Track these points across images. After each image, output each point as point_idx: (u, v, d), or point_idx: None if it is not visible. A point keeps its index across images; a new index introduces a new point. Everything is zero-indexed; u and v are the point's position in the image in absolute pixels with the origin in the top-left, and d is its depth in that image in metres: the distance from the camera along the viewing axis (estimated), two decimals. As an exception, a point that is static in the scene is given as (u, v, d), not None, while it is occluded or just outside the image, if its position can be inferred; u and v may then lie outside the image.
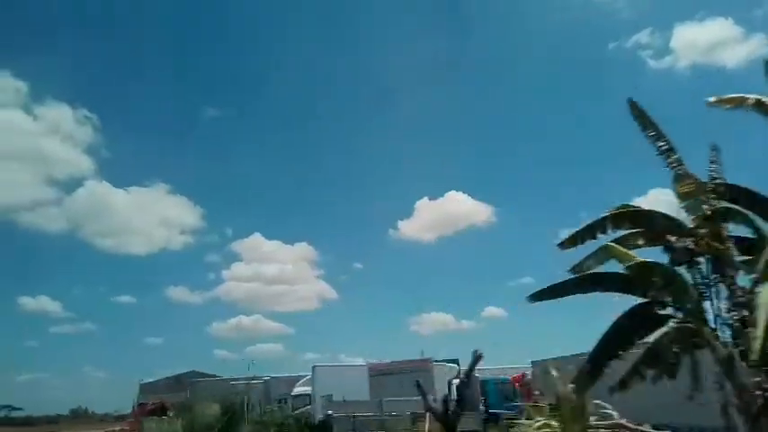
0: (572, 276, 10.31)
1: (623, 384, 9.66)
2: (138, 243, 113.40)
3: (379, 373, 33.04)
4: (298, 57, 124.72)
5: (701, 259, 9.02)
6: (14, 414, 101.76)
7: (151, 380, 60.68)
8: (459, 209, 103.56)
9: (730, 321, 8.59)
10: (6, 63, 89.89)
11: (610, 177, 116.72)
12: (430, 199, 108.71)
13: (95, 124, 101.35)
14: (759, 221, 9.00)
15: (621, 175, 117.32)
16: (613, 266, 9.96)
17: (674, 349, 9.03)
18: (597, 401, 11.53)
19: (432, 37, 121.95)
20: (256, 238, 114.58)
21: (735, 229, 9.25)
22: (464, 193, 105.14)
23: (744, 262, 8.90)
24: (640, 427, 13.04)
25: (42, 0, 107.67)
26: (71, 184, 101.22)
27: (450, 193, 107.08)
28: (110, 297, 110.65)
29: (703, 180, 9.36)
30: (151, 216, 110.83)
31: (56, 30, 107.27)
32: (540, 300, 10.13)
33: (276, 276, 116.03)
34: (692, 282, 8.98)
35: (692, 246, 9.01)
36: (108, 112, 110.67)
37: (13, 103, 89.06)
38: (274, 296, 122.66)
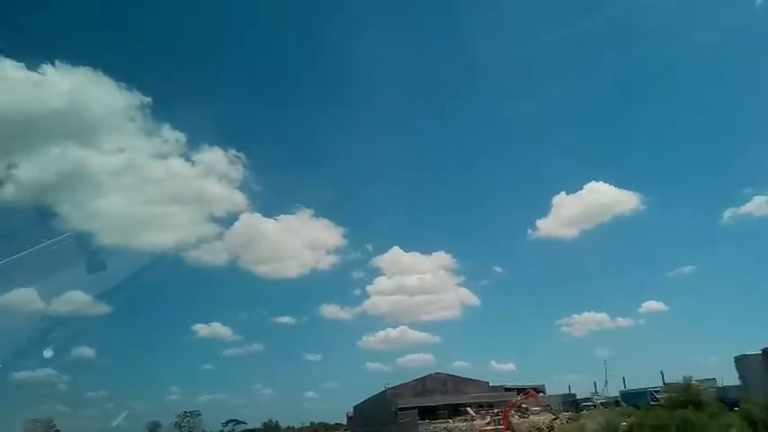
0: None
1: None
2: (291, 266, 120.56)
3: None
4: (416, 65, 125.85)
5: None
6: (239, 428, 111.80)
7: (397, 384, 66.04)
8: (601, 200, 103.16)
9: None
10: (167, 117, 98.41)
11: None
12: (567, 193, 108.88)
13: (244, 162, 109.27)
14: None
15: None
16: None
17: None
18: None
19: (555, 26, 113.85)
20: (395, 251, 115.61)
21: None
22: (605, 182, 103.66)
23: None
24: None
25: (186, 56, 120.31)
26: (229, 219, 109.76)
27: (589, 184, 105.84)
28: (271, 318, 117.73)
29: None
30: (299, 240, 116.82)
31: (201, 80, 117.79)
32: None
33: (418, 287, 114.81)
34: None
35: None
36: (253, 149, 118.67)
37: (175, 152, 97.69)
38: (418, 306, 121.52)
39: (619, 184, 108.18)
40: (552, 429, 26.68)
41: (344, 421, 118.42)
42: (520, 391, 68.86)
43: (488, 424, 32.93)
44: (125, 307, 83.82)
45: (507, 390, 67.31)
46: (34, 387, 66.04)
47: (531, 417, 32.74)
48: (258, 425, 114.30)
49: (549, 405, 32.32)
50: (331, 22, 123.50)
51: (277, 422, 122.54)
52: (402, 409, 61.92)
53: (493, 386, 67.90)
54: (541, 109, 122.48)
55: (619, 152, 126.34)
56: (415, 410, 54.75)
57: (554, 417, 28.95)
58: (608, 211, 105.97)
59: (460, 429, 44.68)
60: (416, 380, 68.63)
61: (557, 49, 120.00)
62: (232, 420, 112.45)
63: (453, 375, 68.68)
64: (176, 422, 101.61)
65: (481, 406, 62.16)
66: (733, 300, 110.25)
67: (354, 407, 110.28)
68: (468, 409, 59.99)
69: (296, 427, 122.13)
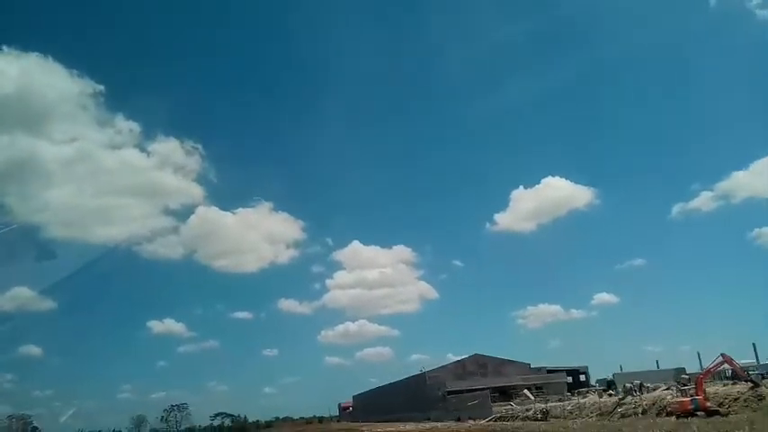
0: None
1: None
2: (249, 261, 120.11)
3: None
4: (377, 60, 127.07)
5: None
6: (228, 421, 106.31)
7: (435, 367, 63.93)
8: (557, 194, 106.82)
9: None
10: (120, 106, 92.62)
11: (720, 146, 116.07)
12: (525, 187, 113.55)
13: (201, 153, 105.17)
14: None
15: (729, 144, 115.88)
16: None
17: None
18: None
19: (513, 23, 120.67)
20: (355, 245, 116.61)
21: None
22: (561, 177, 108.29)
23: None
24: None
25: (141, 45, 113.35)
26: (185, 212, 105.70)
27: (546, 179, 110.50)
28: (228, 314, 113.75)
29: None
30: (258, 234, 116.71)
31: (157, 69, 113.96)
32: None
33: (377, 281, 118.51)
34: None
35: None
36: (211, 140, 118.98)
37: (129, 142, 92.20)
38: (377, 300, 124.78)
39: (574, 179, 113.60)
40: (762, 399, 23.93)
41: (336, 412, 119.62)
42: (568, 371, 67.32)
43: (676, 396, 29.91)
44: (75, 303, 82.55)
45: (549, 371, 65.13)
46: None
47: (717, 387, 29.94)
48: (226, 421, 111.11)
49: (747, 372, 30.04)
50: (293, 16, 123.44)
51: (277, 417, 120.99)
52: (451, 393, 58.72)
53: (534, 367, 65.55)
54: (500, 105, 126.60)
55: (574, 148, 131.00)
56: (487, 391, 51.44)
57: (753, 385, 26.17)
58: (564, 206, 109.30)
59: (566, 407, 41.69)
60: (455, 362, 66.03)
61: (515, 46, 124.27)
62: (221, 413, 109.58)
63: (493, 357, 65.97)
64: (163, 416, 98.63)
65: (529, 388, 59.75)
66: (680, 292, 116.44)
67: (354, 396, 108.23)
68: (526, 391, 57.30)
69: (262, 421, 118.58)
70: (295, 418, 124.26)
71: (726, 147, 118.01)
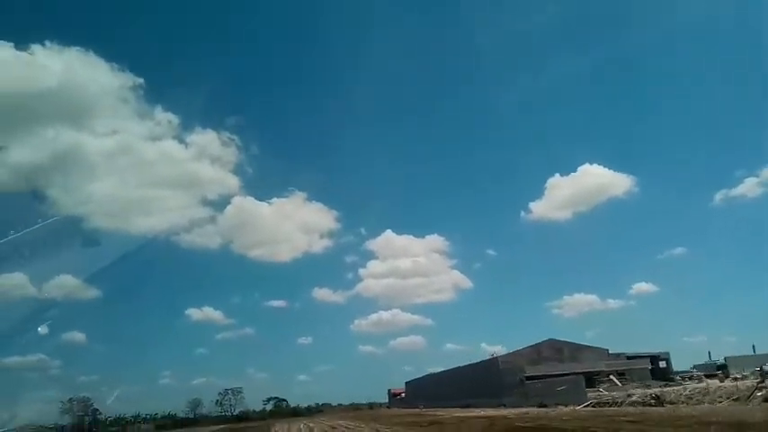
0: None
1: None
2: (284, 250, 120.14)
3: None
4: (411, 49, 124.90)
5: None
6: (281, 405, 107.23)
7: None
8: (594, 182, 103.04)
9: None
10: (159, 98, 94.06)
11: (765, 130, 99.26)
12: (561, 175, 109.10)
13: (238, 144, 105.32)
14: None
15: None
16: None
17: None
18: None
19: (549, 5, 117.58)
20: (388, 234, 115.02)
21: None
22: (599, 164, 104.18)
23: None
24: None
25: (179, 37, 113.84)
26: (221, 203, 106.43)
27: (583, 166, 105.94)
28: (263, 302, 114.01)
29: None
30: (293, 224, 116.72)
31: (195, 61, 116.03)
32: None
33: (410, 270, 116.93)
34: None
35: None
36: (246, 132, 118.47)
37: (168, 134, 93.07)
38: (410, 289, 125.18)
39: (612, 166, 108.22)
40: None
41: (387, 400, 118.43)
42: (650, 357, 63.75)
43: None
44: (117, 291, 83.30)
45: (629, 357, 61.64)
46: (25, 372, 60.39)
47: None
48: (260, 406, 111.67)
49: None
50: (326, 8, 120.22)
51: (317, 404, 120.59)
52: (531, 378, 55.88)
53: (613, 353, 62.11)
54: (535, 91, 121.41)
55: (613, 134, 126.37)
56: (580, 376, 48.42)
57: None
58: (601, 194, 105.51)
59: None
60: (530, 347, 63.00)
61: (551, 29, 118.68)
62: (273, 398, 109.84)
63: (569, 342, 62.83)
64: (218, 400, 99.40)
65: (610, 374, 56.58)
66: (723, 281, 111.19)
67: (407, 383, 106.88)
68: (612, 377, 54.16)
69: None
70: (334, 405, 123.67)
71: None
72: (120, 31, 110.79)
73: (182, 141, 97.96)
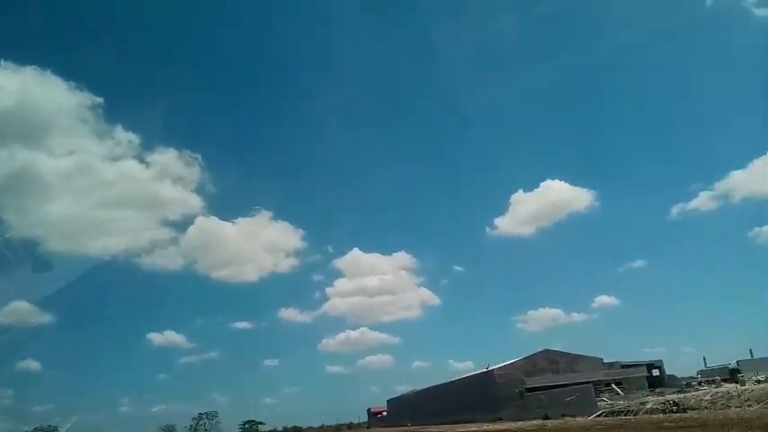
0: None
1: None
2: (250, 270, 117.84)
3: None
4: (374, 63, 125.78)
5: None
6: (257, 428, 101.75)
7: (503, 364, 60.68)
8: (557, 197, 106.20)
9: None
10: (119, 117, 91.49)
11: (719, 145, 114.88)
12: (525, 191, 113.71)
13: (201, 163, 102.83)
14: None
15: (728, 143, 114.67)
16: None
17: None
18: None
19: (510, 19, 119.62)
20: (355, 252, 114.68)
21: None
22: (560, 180, 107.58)
23: None
24: None
25: (139, 55, 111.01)
26: (184, 223, 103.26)
27: (545, 182, 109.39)
28: (228, 324, 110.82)
29: None
30: (258, 243, 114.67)
31: (155, 79, 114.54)
32: None
33: (378, 288, 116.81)
34: None
35: None
36: (209, 150, 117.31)
37: (128, 154, 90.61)
38: (378, 307, 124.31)
39: (574, 181, 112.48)
40: None
41: (365, 419, 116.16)
42: (648, 366, 63.13)
43: None
44: (73, 316, 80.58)
45: (624, 366, 60.93)
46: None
47: None
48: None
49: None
50: (288, 19, 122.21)
51: (295, 426, 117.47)
52: (532, 390, 54.36)
53: (607, 362, 61.35)
54: (497, 106, 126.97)
55: (574, 149, 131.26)
56: (589, 385, 47.03)
57: None
58: (564, 209, 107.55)
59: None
60: (524, 359, 61.65)
61: (510, 43, 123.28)
62: (249, 421, 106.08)
63: (564, 353, 61.80)
64: (191, 425, 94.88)
65: (608, 384, 55.64)
66: (682, 293, 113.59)
67: (389, 401, 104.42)
68: (614, 386, 53.12)
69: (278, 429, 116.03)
70: (304, 427, 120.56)
71: (724, 146, 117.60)
72: (78, 51, 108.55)
73: (142, 161, 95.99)
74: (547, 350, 61.64)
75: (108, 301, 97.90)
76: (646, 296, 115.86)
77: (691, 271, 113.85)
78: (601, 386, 54.33)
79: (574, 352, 61.67)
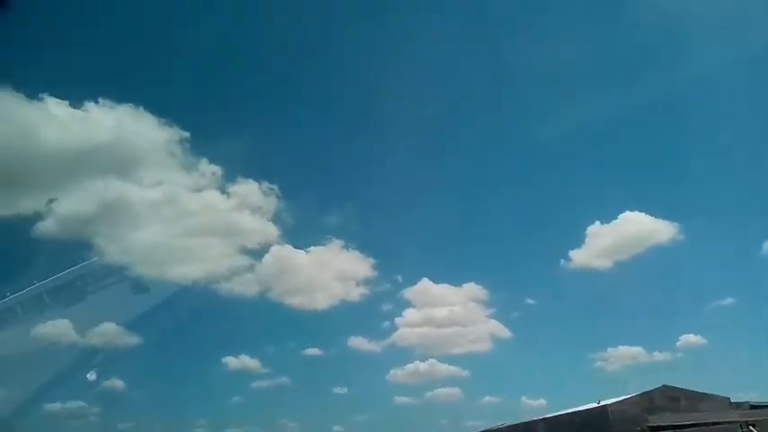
0: None
1: None
2: (321, 298, 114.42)
3: None
4: (444, 89, 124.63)
5: None
6: None
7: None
8: (636, 229, 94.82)
9: None
10: (204, 151, 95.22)
11: None
12: (602, 223, 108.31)
13: (277, 194, 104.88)
14: None
15: None
16: None
17: None
18: None
19: (588, 40, 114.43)
20: (425, 282, 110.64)
21: None
22: (640, 211, 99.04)
23: None
24: None
25: (223, 91, 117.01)
26: (260, 251, 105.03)
27: (624, 213, 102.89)
28: (300, 351, 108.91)
29: None
30: (330, 271, 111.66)
31: (237, 113, 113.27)
32: None
33: (447, 319, 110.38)
34: None
35: None
36: (286, 181, 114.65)
37: (211, 185, 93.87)
38: (447, 339, 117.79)
39: (655, 213, 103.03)
40: None
41: None
42: None
43: None
44: (156, 338, 79.48)
45: (753, 407, 54.70)
46: (65, 419, 57.76)
47: None
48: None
49: None
50: (364, 51, 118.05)
51: None
52: (655, 429, 49.25)
53: (735, 402, 55.34)
54: (575, 134, 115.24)
55: (655, 179, 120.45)
56: (736, 425, 41.95)
57: None
58: (644, 242, 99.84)
59: None
60: (640, 395, 55.88)
61: (591, 62, 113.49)
62: None
63: (684, 389, 55.92)
64: None
65: (745, 426, 49.86)
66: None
67: None
68: (752, 428, 47.51)
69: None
70: None
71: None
72: (167, 87, 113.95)
73: (224, 192, 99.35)
74: (666, 386, 55.83)
75: (188, 324, 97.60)
76: (735, 335, 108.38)
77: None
78: (735, 428, 48.80)
79: (696, 389, 56.17)
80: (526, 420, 71.07)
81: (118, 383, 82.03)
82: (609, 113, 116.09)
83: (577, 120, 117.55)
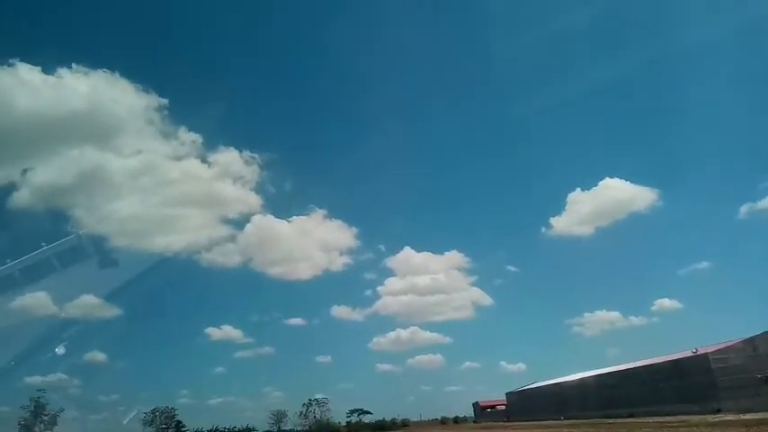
0: None
1: None
2: (304, 268, 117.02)
3: None
4: (428, 59, 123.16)
5: None
6: (366, 417, 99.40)
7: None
8: (616, 196, 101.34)
9: None
10: (183, 118, 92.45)
11: None
12: (582, 190, 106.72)
13: (259, 163, 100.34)
14: None
15: None
16: None
17: None
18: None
19: (566, 13, 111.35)
20: (407, 251, 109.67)
21: None
22: (621, 178, 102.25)
23: None
24: None
25: (200, 57, 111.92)
26: (242, 221, 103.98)
27: (604, 180, 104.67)
28: (282, 320, 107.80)
29: None
30: (312, 241, 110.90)
31: (216, 80, 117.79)
32: None
33: (429, 287, 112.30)
34: None
35: None
36: (267, 150, 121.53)
37: (191, 153, 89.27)
38: (429, 307, 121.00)
39: (635, 179, 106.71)
40: None
41: (472, 413, 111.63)
42: None
43: None
44: (137, 309, 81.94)
45: None
46: (46, 391, 60.44)
47: None
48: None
49: None
50: (341, 18, 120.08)
51: (404, 419, 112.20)
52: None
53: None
54: (554, 101, 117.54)
55: (635, 147, 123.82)
56: None
57: None
58: (624, 208, 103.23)
59: None
60: (743, 341, 51.10)
61: (571, 36, 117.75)
62: (357, 410, 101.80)
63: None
64: (301, 411, 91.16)
65: None
66: (748, 296, 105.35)
67: (508, 393, 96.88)
68: None
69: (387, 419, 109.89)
70: (411, 420, 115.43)
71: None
72: (144, 53, 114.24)
73: (204, 160, 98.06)
74: (770, 331, 50.54)
75: (170, 295, 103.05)
76: (710, 299, 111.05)
77: (759, 273, 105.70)
78: None
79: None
80: (626, 367, 66.27)
81: (99, 356, 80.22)
82: (588, 84, 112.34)
83: (559, 90, 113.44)
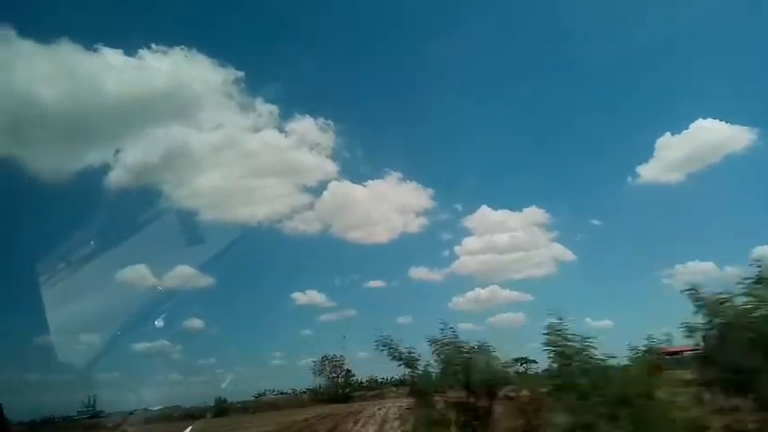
0: None
1: None
2: (381, 231, 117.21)
3: None
4: (502, 17, 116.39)
5: None
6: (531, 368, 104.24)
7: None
8: (710, 139, 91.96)
9: None
10: (259, 90, 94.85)
11: None
12: (672, 134, 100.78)
13: (334, 129, 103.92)
14: None
15: None
16: None
17: None
18: None
19: None
20: (484, 210, 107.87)
21: None
22: (714, 118, 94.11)
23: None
24: None
25: (272, 28, 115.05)
26: (319, 189, 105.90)
27: (696, 122, 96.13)
28: (363, 284, 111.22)
29: None
30: (389, 204, 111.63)
31: (289, 50, 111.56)
32: None
33: (508, 245, 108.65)
34: None
35: None
36: (341, 116, 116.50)
37: (269, 124, 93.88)
38: (509, 265, 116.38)
39: (731, 119, 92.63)
40: None
41: None
42: None
43: None
44: (228, 278, 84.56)
45: None
46: (151, 357, 62.28)
47: None
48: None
49: None
50: None
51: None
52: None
53: None
54: (639, 42, 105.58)
55: (729, 84, 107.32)
56: None
57: None
58: (719, 151, 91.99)
59: None
60: None
61: None
62: (521, 359, 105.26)
63: None
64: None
65: None
66: None
67: (704, 336, 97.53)
68: None
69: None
70: None
71: None
72: (217, 27, 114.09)
73: (282, 130, 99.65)
74: None
75: (256, 263, 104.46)
76: None
77: None
78: None
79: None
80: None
81: (196, 322, 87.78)
82: (674, 18, 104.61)
83: (642, 27, 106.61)
